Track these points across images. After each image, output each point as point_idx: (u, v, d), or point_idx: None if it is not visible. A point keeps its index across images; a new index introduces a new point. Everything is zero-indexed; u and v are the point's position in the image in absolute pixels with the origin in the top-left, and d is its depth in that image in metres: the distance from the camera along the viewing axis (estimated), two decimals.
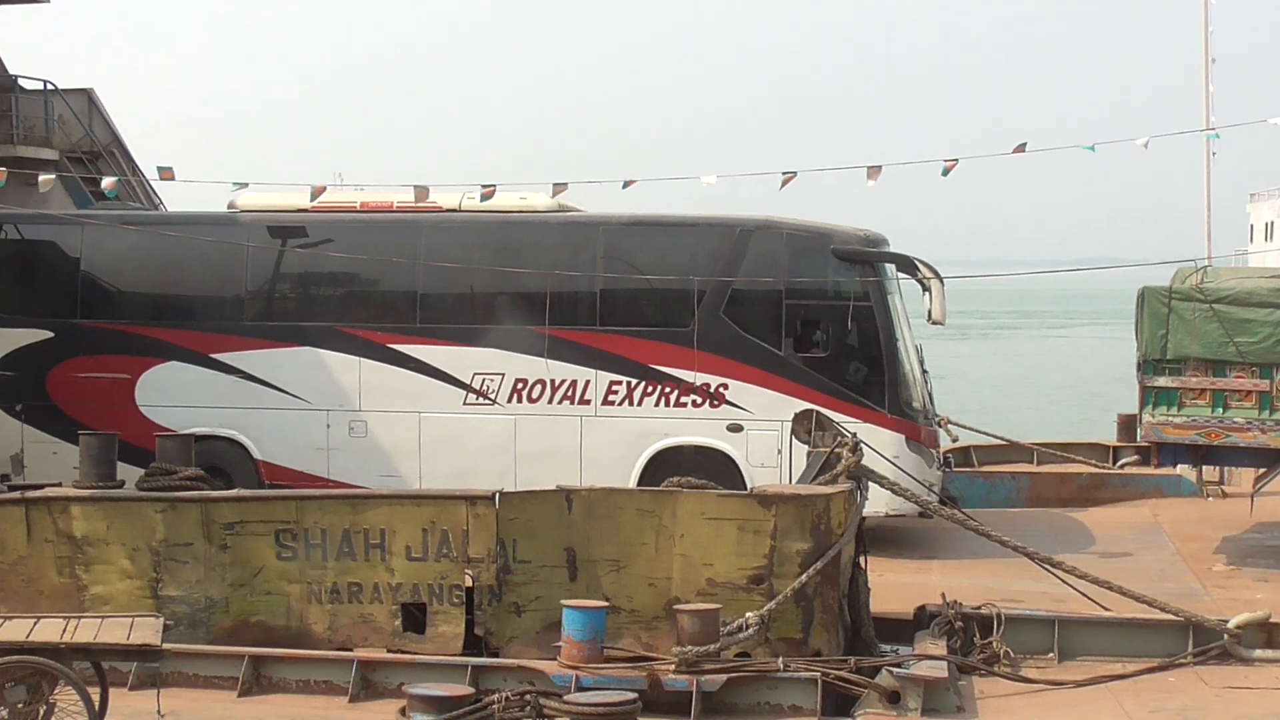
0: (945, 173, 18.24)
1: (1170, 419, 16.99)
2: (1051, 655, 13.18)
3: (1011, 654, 12.98)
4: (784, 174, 18.38)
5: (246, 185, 19.27)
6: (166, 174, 19.01)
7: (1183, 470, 20.73)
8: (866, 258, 18.31)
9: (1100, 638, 13.29)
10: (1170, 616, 13.16)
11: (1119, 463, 22.72)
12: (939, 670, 11.87)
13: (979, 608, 13.43)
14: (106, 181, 20.22)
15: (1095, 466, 22.54)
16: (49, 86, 25.28)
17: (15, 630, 10.31)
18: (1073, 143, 18.91)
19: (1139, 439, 19.97)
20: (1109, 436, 24.15)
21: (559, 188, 18.95)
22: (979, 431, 23.67)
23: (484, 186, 18.89)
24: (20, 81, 25.57)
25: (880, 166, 18.30)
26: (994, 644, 13.01)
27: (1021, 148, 17.80)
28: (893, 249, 18.91)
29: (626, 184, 18.55)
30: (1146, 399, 17.19)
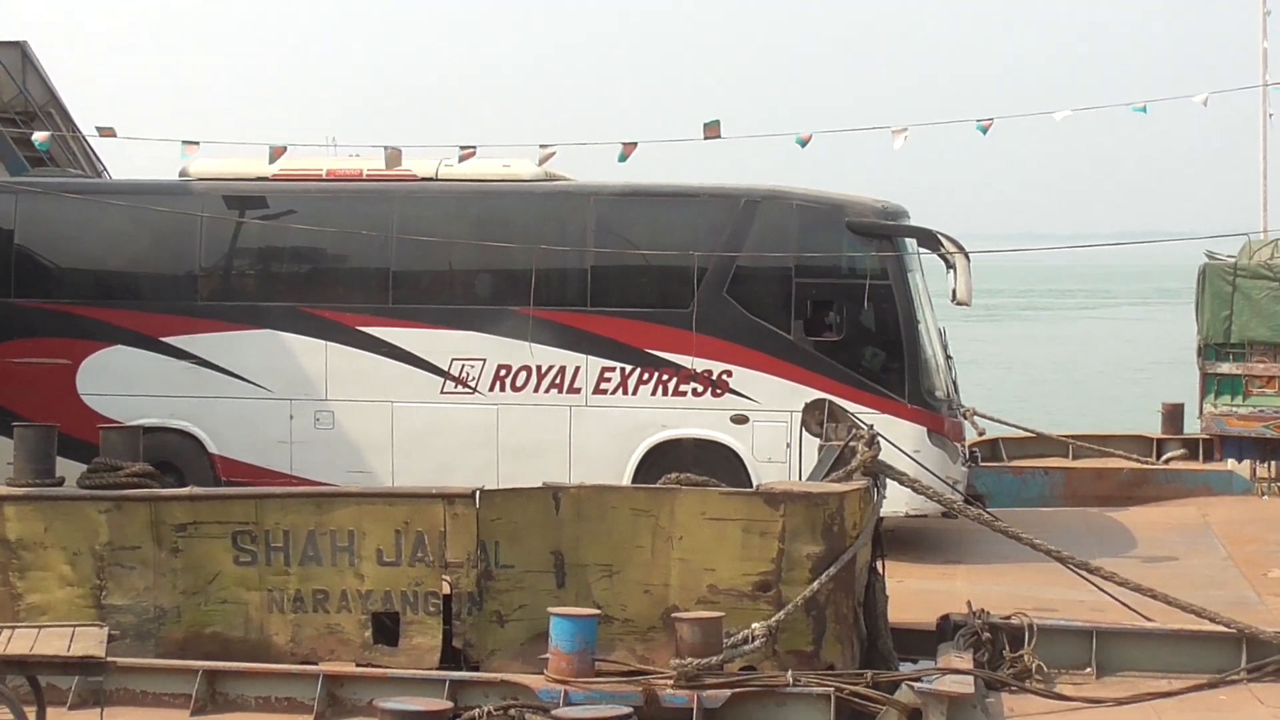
0: (984, 131, 18.22)
1: (1234, 409, 17.02)
2: (1089, 670, 13.21)
3: (1045, 668, 12.99)
4: (799, 137, 18.33)
5: (198, 144, 19.19)
6: (107, 132, 18.94)
7: (1234, 465, 20.76)
8: (884, 231, 18.30)
9: (1143, 651, 13.31)
10: (1221, 628, 13.17)
11: (1164, 457, 22.72)
12: (964, 686, 11.88)
13: (1008, 617, 13.45)
14: (38, 135, 20.14)
15: (1137, 461, 22.55)
16: None
17: None
18: (1121, 102, 18.78)
19: (1199, 431, 19.94)
20: (1152, 428, 24.16)
21: (546, 153, 18.92)
22: (1008, 424, 23.71)
23: (463, 148, 18.85)
24: None
25: (906, 129, 18.27)
26: (1025, 657, 13.03)
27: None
28: (914, 222, 18.92)
29: (624, 155, 18.32)
30: (1207, 387, 17.21)
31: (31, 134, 22.61)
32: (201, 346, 19.19)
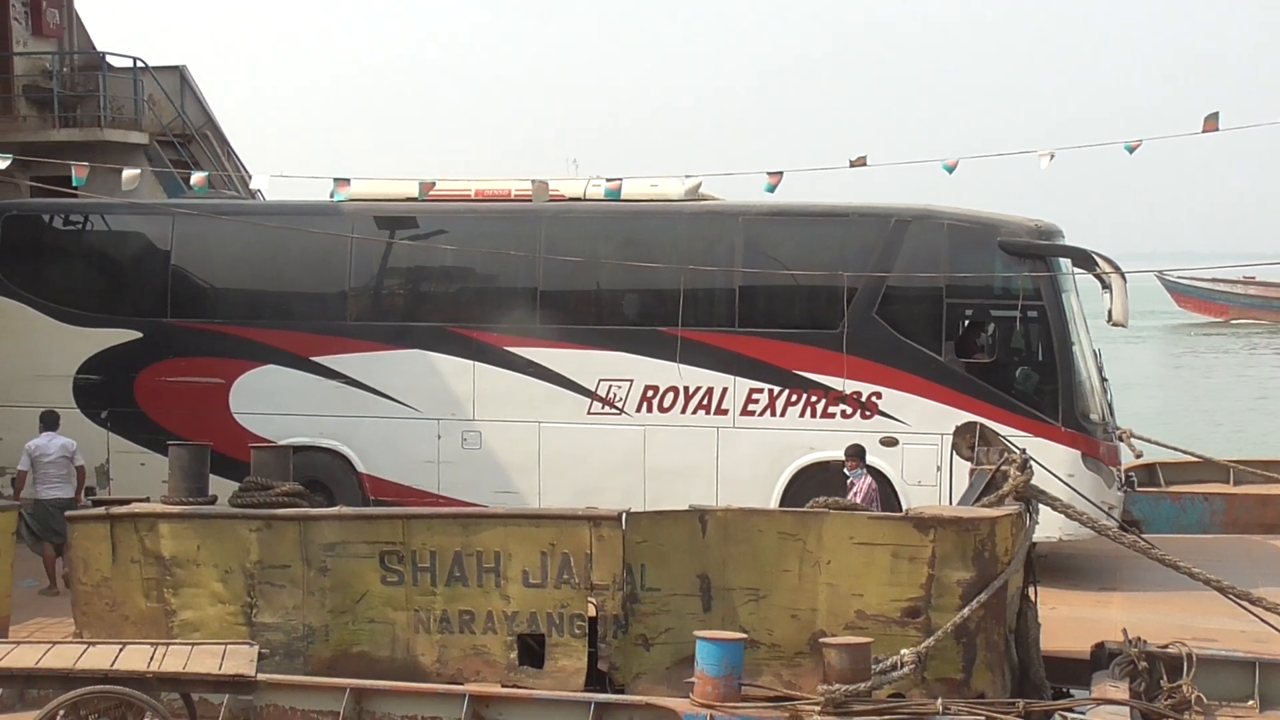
0: (1130, 150, 17.97)
1: None
2: (1252, 703, 12.92)
3: (1205, 700, 12.73)
4: (945, 164, 18.16)
5: (349, 182, 19.42)
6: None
7: None
8: (1038, 251, 18.07)
9: None
10: None
11: None
12: (1120, 717, 11.70)
13: (1166, 646, 13.21)
14: (196, 178, 20.63)
15: None
16: (139, 64, 25.84)
17: (99, 657, 10.55)
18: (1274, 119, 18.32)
19: None
20: None
21: (692, 183, 18.94)
22: (1166, 446, 23.24)
23: (609, 180, 18.94)
24: (109, 59, 26.18)
25: (1052, 152, 18.02)
26: (1184, 688, 12.77)
27: (1213, 122, 17.20)
28: (1068, 241, 18.66)
29: (771, 185, 18.20)
30: None
31: (189, 156, 23.16)
32: (351, 366, 19.45)
